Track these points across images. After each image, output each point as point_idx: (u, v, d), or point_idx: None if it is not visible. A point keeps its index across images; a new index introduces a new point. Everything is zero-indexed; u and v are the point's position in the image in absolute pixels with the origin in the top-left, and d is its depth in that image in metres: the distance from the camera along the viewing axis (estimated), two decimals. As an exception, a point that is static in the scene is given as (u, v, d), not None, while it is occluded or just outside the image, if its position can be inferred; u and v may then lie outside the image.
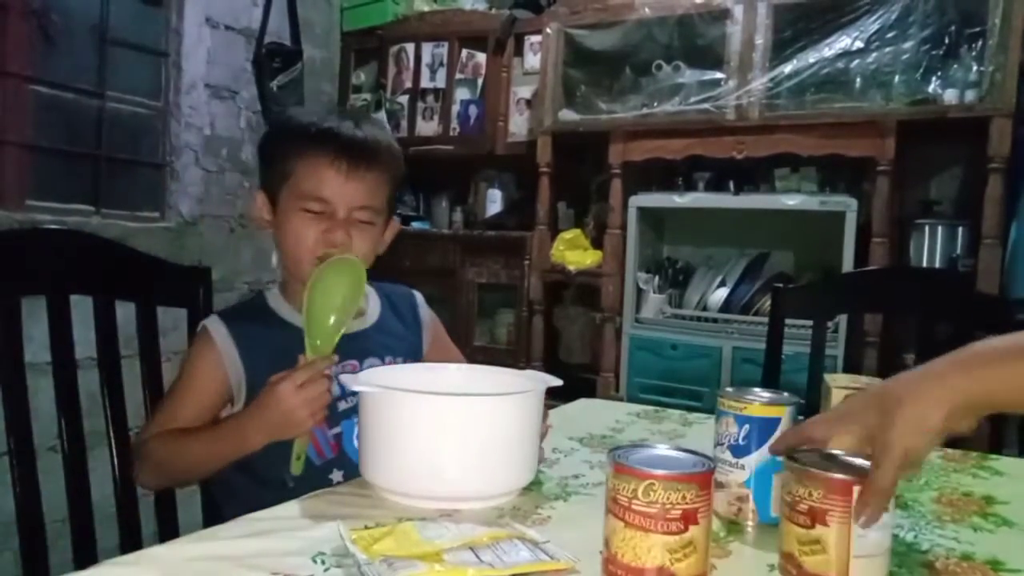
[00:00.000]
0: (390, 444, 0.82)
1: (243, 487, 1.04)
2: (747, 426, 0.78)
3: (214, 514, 1.15)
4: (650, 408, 1.39)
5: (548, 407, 0.95)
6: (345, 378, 0.85)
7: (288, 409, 0.91)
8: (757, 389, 0.83)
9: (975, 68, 2.11)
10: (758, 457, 0.77)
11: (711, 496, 0.62)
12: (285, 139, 1.09)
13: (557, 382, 0.89)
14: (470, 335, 2.91)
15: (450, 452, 0.81)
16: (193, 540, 0.73)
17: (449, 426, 0.81)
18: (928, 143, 2.39)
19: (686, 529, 0.60)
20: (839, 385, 0.92)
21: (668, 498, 0.60)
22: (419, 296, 1.26)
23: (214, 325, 1.07)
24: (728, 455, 0.79)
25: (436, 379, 0.95)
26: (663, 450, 0.67)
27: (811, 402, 1.49)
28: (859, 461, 0.66)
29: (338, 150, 1.04)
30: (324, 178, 1.04)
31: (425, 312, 1.25)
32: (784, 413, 0.78)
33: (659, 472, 0.60)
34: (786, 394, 0.81)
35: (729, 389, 0.81)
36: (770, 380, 1.50)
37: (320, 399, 0.93)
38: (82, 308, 1.09)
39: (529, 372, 0.96)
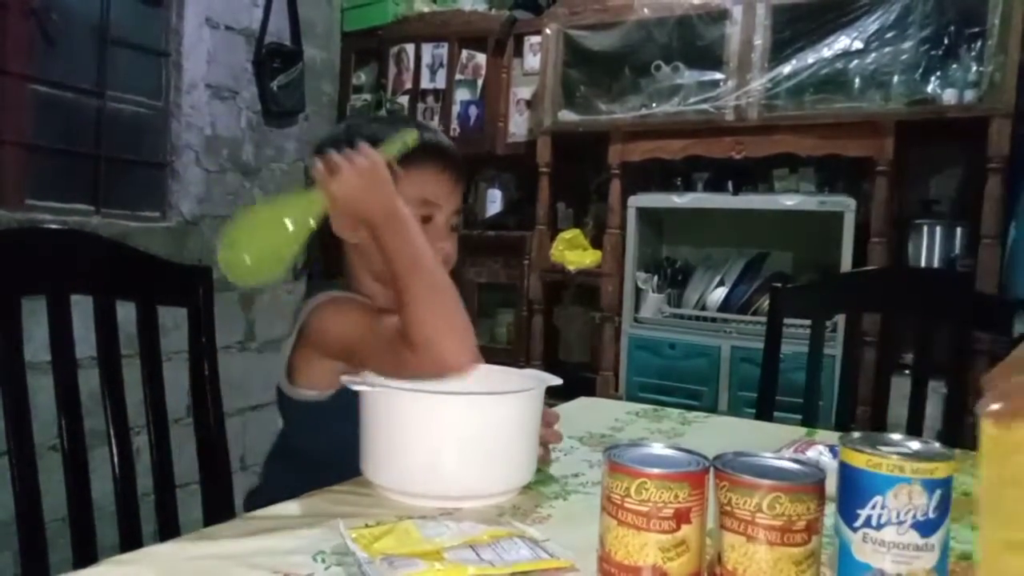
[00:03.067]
0: (390, 443, 0.82)
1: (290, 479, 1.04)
2: (939, 492, 0.58)
3: (214, 513, 1.16)
4: (649, 407, 1.40)
5: (548, 406, 0.95)
6: (344, 378, 0.85)
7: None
8: (896, 436, 0.64)
9: (974, 68, 2.12)
10: (946, 528, 0.59)
11: (704, 495, 0.62)
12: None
13: (556, 380, 0.89)
14: (470, 335, 2.91)
15: (449, 451, 0.81)
16: (193, 539, 0.73)
17: (448, 425, 0.81)
18: (927, 143, 2.39)
19: (678, 528, 0.60)
20: None
21: (660, 497, 0.60)
22: None
23: (339, 293, 1.06)
24: (914, 535, 0.58)
25: None
26: (658, 449, 0.67)
27: (809, 405, 1.50)
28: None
29: (446, 161, 1.08)
30: (435, 186, 1.06)
31: None
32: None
33: (651, 471, 0.60)
34: (921, 439, 0.64)
35: (883, 447, 0.60)
36: (769, 380, 1.51)
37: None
38: (82, 307, 1.10)
39: (529, 371, 0.96)
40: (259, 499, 0.99)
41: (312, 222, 0.90)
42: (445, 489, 0.81)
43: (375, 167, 0.92)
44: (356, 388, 0.83)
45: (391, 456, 0.82)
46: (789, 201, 2.35)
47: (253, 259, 0.89)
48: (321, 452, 1.02)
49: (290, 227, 0.89)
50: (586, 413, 1.34)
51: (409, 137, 0.98)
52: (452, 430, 0.81)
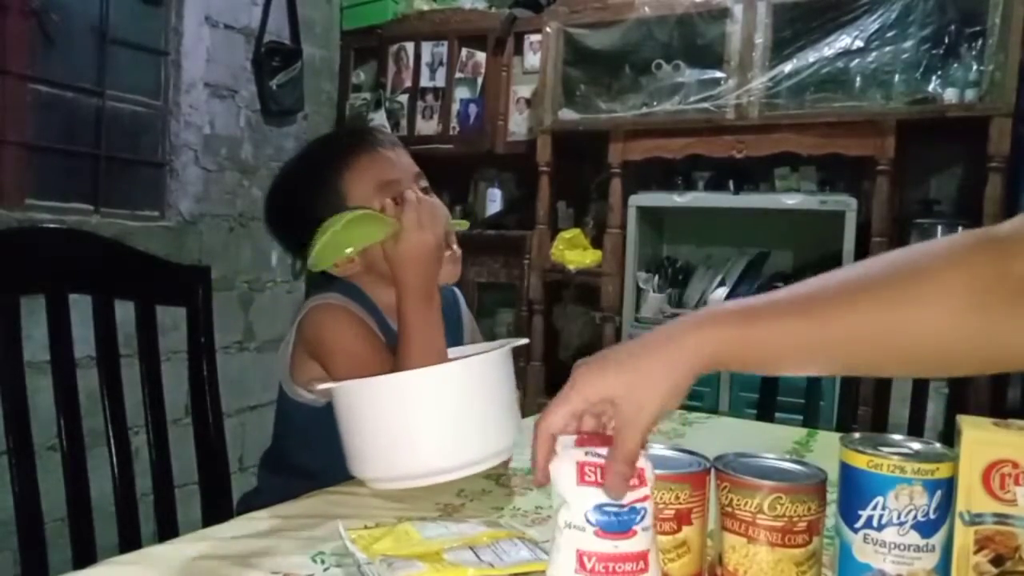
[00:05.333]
0: (367, 433, 0.81)
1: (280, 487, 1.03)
2: (940, 492, 0.57)
3: (214, 513, 1.15)
4: (649, 407, 1.39)
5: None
6: (319, 387, 0.85)
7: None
8: (896, 437, 0.64)
9: (975, 67, 2.11)
10: (947, 529, 0.58)
11: (705, 496, 0.62)
12: (319, 172, 1.09)
13: (523, 341, 0.90)
14: (470, 334, 2.91)
15: (418, 427, 0.79)
16: (192, 539, 0.73)
17: (419, 399, 0.80)
18: (928, 142, 2.39)
19: (679, 529, 0.60)
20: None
21: (661, 498, 0.59)
22: (460, 294, 1.25)
23: (340, 300, 1.06)
24: (914, 536, 0.58)
25: None
26: (658, 450, 0.66)
27: (810, 406, 1.49)
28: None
29: (374, 142, 1.09)
30: (379, 165, 1.07)
31: (466, 312, 1.25)
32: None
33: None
34: (921, 440, 0.63)
35: (884, 447, 0.60)
36: (770, 380, 1.50)
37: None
38: (81, 307, 1.09)
39: (499, 341, 0.95)
40: (252, 504, 0.99)
41: (379, 239, 1.00)
42: (428, 465, 0.79)
43: (439, 245, 0.99)
44: (322, 387, 0.82)
45: (367, 447, 0.81)
46: (790, 200, 2.35)
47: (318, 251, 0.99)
48: (312, 459, 1.02)
49: (369, 235, 1.01)
50: (586, 413, 1.33)
51: (460, 225, 1.09)
52: (423, 404, 0.80)
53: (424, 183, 1.12)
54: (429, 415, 0.80)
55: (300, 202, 1.10)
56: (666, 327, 0.62)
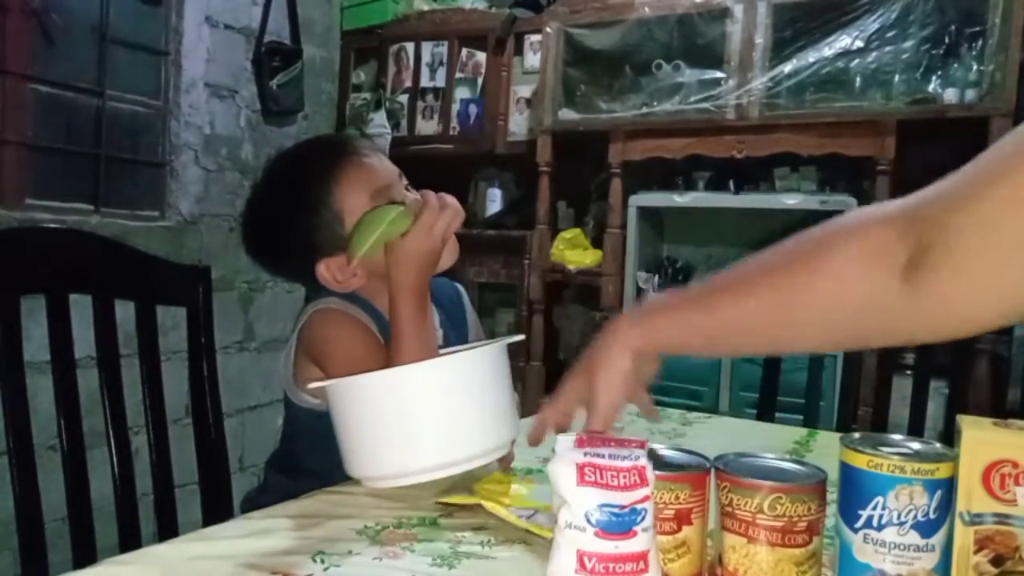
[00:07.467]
0: (359, 431, 0.80)
1: (283, 486, 1.03)
2: (940, 492, 0.57)
3: (214, 513, 1.15)
4: (649, 407, 1.39)
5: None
6: (312, 385, 0.84)
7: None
8: (896, 437, 0.64)
9: (975, 68, 2.11)
10: (947, 529, 0.58)
11: (705, 496, 0.62)
12: (307, 193, 1.06)
13: (519, 338, 0.90)
14: (470, 334, 2.91)
15: (412, 423, 0.78)
16: (193, 539, 0.73)
17: (404, 396, 0.79)
18: (928, 143, 2.39)
19: (679, 529, 0.60)
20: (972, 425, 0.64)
21: (661, 498, 0.59)
22: (464, 292, 1.24)
23: (340, 304, 1.05)
24: (914, 536, 0.58)
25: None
26: (659, 450, 0.66)
27: (810, 406, 1.50)
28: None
29: (351, 152, 1.08)
30: (367, 174, 1.06)
31: (470, 311, 1.24)
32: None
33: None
34: (921, 441, 0.63)
35: (884, 447, 0.60)
36: (770, 380, 1.51)
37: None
38: (81, 307, 1.09)
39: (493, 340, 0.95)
40: (258, 503, 0.99)
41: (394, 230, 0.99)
42: (424, 462, 0.78)
43: (441, 249, 0.99)
44: (313, 386, 0.81)
45: (367, 444, 0.80)
46: (790, 200, 2.34)
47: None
48: (322, 462, 1.01)
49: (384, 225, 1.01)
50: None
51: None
52: (416, 399, 0.78)
53: (404, 180, 1.11)
54: (422, 410, 0.79)
55: (291, 227, 1.07)
56: (611, 327, 0.75)
